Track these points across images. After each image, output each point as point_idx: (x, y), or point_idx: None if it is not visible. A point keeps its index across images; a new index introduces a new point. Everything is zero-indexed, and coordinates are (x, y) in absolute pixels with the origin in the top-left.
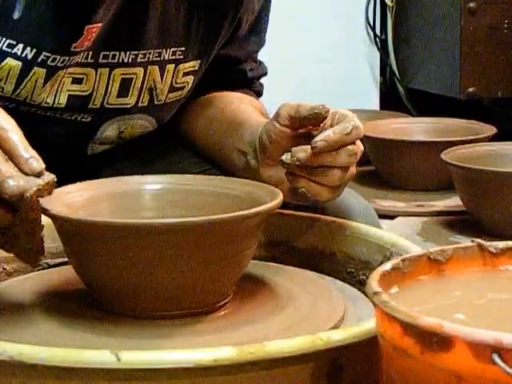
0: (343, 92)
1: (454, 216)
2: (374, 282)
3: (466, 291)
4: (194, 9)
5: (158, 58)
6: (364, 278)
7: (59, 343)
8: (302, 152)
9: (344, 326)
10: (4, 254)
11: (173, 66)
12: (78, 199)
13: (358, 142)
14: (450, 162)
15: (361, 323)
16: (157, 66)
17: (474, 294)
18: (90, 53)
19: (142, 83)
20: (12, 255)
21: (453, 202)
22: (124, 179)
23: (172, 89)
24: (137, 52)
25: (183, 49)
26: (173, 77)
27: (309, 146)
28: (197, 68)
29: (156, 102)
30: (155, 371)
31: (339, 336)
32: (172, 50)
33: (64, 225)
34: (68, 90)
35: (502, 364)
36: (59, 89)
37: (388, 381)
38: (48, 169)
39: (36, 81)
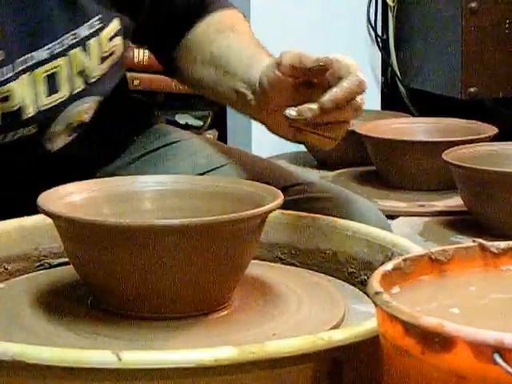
0: None
1: (456, 216)
2: (375, 282)
3: (467, 291)
4: None
5: (76, 39)
6: (365, 278)
7: (59, 343)
8: (309, 111)
9: (345, 326)
10: (5, 254)
11: (95, 38)
12: (78, 199)
13: (361, 96)
14: (451, 162)
15: (362, 323)
16: (78, 48)
17: (475, 294)
18: (7, 68)
19: (69, 71)
20: (12, 255)
21: (454, 202)
22: (125, 179)
23: (102, 59)
24: (50, 45)
25: (99, 16)
26: (99, 49)
27: (315, 105)
28: (119, 26)
29: (92, 80)
30: (156, 371)
31: (340, 336)
32: (87, 24)
33: (64, 225)
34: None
35: (504, 364)
36: None
37: (389, 381)
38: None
39: None
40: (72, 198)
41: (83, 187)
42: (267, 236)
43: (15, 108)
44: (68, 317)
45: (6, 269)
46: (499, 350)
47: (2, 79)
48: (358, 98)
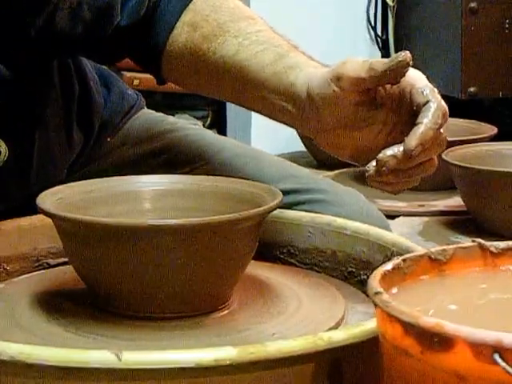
0: None
1: (455, 216)
2: (374, 282)
3: (466, 291)
4: None
5: None
6: (365, 277)
7: (59, 343)
8: (392, 159)
9: (345, 326)
10: (4, 254)
11: None
12: (78, 199)
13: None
14: (451, 162)
15: (361, 323)
16: None
17: (474, 293)
18: None
19: None
20: (12, 255)
21: (454, 201)
22: (124, 179)
23: None
24: None
25: None
26: None
27: (399, 149)
28: None
29: None
30: (156, 371)
31: (340, 336)
32: None
33: (64, 225)
34: None
35: (503, 364)
36: None
37: (389, 381)
38: None
39: None
40: (72, 198)
41: (83, 187)
42: (267, 236)
43: None
44: (68, 317)
45: (5, 269)
46: (499, 349)
47: None
48: (443, 133)
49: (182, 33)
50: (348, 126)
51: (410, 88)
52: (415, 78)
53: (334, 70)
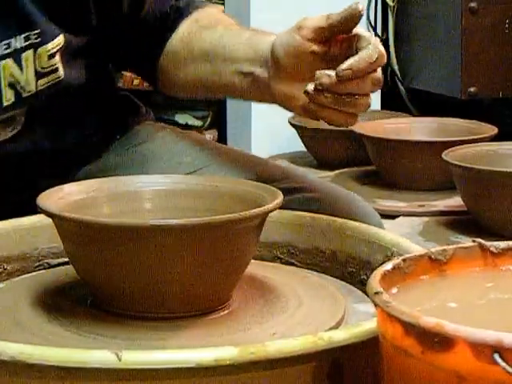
0: None
1: (455, 216)
2: (374, 282)
3: (467, 291)
4: None
5: (9, 50)
6: (365, 277)
7: (59, 343)
8: (326, 77)
9: (345, 326)
10: (4, 254)
11: (30, 52)
12: (78, 199)
13: (379, 69)
14: (451, 162)
15: (362, 323)
16: (10, 59)
17: (475, 293)
18: None
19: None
20: (12, 255)
21: (454, 201)
22: (125, 179)
23: (40, 75)
24: None
25: (38, 31)
26: (35, 63)
27: (333, 72)
28: (62, 43)
29: (25, 95)
30: (156, 371)
31: (340, 336)
32: (23, 36)
33: (64, 225)
34: None
35: (503, 364)
36: None
37: (389, 381)
38: None
39: None
40: (72, 197)
41: (83, 187)
42: (267, 236)
43: None
44: (68, 317)
45: (6, 269)
46: (499, 349)
47: None
48: (378, 72)
49: (182, 29)
50: (304, 77)
51: (357, 38)
52: (363, 33)
53: (296, 23)
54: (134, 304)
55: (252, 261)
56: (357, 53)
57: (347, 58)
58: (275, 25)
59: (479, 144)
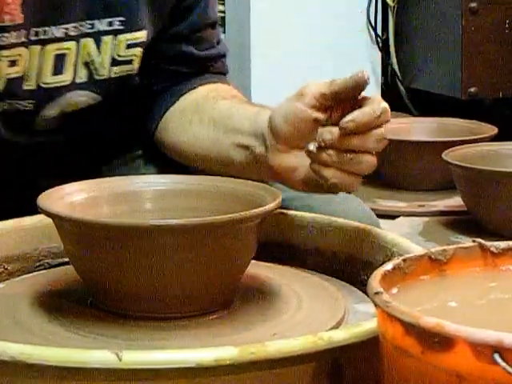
0: None
1: (455, 216)
2: (375, 282)
3: (467, 291)
4: None
5: (91, 30)
6: (365, 277)
7: (59, 343)
8: (328, 133)
9: (345, 326)
10: (4, 254)
11: (110, 37)
12: (79, 199)
13: (384, 126)
14: (451, 162)
15: (362, 323)
16: (91, 39)
17: (475, 293)
18: (23, 31)
19: (77, 58)
20: (12, 255)
21: (454, 202)
22: (125, 179)
23: (115, 62)
24: (67, 25)
25: (122, 19)
26: (113, 49)
27: (336, 128)
28: (144, 39)
29: (97, 77)
30: (156, 371)
31: (340, 336)
32: (107, 20)
33: (64, 225)
34: (6, 74)
35: (504, 364)
36: None
37: (389, 381)
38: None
39: None
40: (72, 197)
41: (83, 187)
42: (267, 236)
43: (19, 75)
44: (68, 317)
45: (6, 269)
46: (499, 349)
47: (16, 42)
48: (382, 128)
49: (197, 92)
50: (303, 146)
51: (360, 98)
52: (375, 96)
53: (298, 90)
54: (134, 304)
55: (252, 261)
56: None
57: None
58: (275, 25)
59: (479, 144)
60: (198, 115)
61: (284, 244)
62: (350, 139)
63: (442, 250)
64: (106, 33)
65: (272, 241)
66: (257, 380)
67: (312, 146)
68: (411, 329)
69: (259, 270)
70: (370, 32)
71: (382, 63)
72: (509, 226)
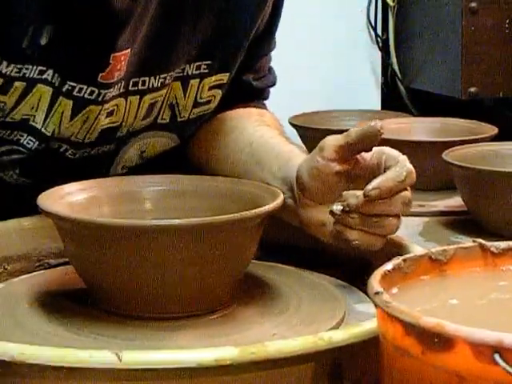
0: (344, 92)
1: (456, 216)
2: (375, 282)
3: (467, 291)
4: (220, 18)
5: (181, 74)
6: (365, 277)
7: (59, 343)
8: (354, 198)
9: (345, 327)
10: (5, 254)
11: (197, 80)
12: (78, 199)
13: (409, 189)
14: (451, 162)
15: (362, 323)
16: (179, 82)
17: (475, 294)
18: (122, 82)
19: (163, 100)
20: (12, 255)
21: (454, 202)
22: (125, 179)
23: (196, 104)
24: (166, 74)
25: (209, 62)
26: (197, 92)
27: (361, 192)
28: (225, 81)
29: (179, 119)
30: (156, 371)
31: (340, 336)
32: (196, 64)
33: (64, 225)
34: (101, 125)
35: (504, 364)
36: (94, 126)
37: (389, 381)
38: None
39: (62, 113)
40: (72, 197)
41: (83, 187)
42: (267, 236)
43: (115, 125)
44: (68, 317)
45: (6, 269)
46: (499, 350)
47: (115, 93)
48: (408, 191)
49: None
50: (330, 200)
51: (384, 157)
52: (390, 152)
53: (318, 145)
54: (134, 304)
55: (252, 261)
56: (385, 171)
57: (374, 176)
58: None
59: (480, 144)
60: (238, 131)
61: (284, 244)
62: (374, 204)
63: (442, 250)
64: (194, 76)
65: (272, 241)
66: (257, 380)
67: (336, 208)
68: (411, 329)
69: (259, 270)
70: (370, 32)
71: (382, 63)
72: (509, 226)
